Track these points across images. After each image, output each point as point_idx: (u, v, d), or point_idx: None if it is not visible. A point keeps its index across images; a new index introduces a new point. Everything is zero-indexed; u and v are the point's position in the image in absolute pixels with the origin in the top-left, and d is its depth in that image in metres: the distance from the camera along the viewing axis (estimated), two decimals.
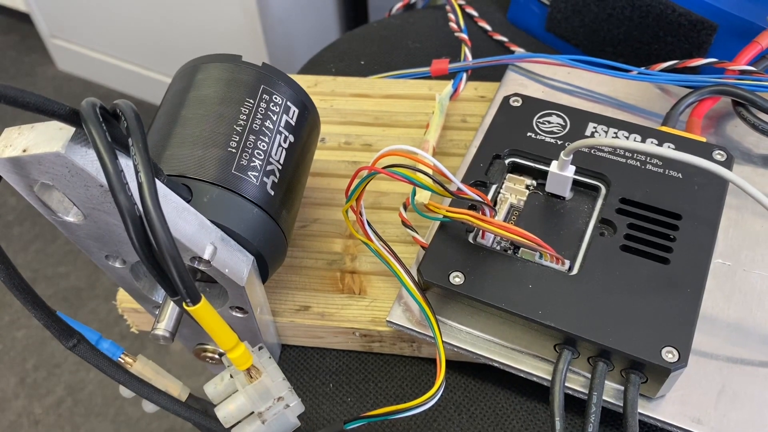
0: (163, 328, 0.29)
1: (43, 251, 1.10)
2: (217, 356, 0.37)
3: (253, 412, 0.28)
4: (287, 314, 0.36)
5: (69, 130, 0.23)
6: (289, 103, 0.33)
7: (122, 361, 0.32)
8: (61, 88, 1.31)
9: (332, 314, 0.36)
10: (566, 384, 0.31)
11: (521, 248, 0.32)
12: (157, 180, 0.23)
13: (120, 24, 1.10)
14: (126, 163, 0.22)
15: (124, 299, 0.37)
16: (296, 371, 0.37)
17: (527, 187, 0.35)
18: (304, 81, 0.47)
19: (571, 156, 0.32)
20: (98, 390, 0.96)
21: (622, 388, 0.30)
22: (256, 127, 0.31)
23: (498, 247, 0.33)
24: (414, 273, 0.33)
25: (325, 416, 0.36)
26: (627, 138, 0.35)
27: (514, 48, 0.50)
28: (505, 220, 0.34)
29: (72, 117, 0.22)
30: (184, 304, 0.23)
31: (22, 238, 1.11)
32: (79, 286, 1.06)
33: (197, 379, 0.94)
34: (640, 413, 0.30)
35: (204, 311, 0.23)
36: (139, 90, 1.22)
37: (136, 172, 0.22)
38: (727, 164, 0.34)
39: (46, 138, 0.22)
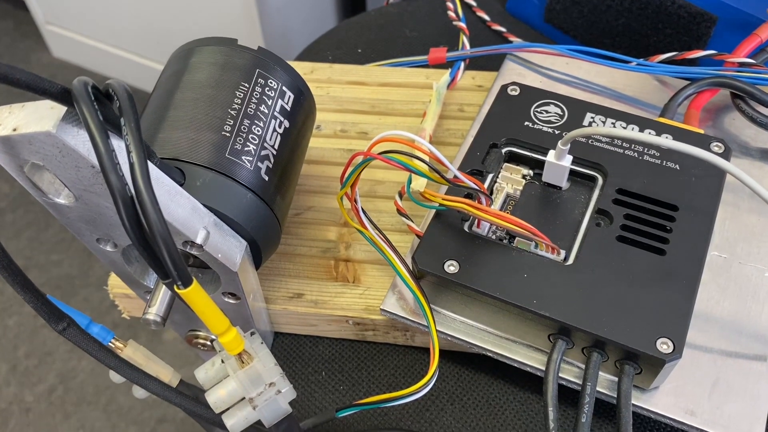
0: (155, 312, 0.28)
1: (36, 239, 1.09)
2: (209, 343, 0.36)
3: (244, 398, 0.28)
4: (280, 301, 0.36)
5: (60, 109, 0.22)
6: (284, 87, 0.33)
7: (113, 345, 0.31)
8: (56, 75, 1.29)
9: (326, 302, 0.35)
10: (560, 374, 0.31)
11: (517, 237, 0.32)
12: (149, 162, 0.22)
13: (115, 11, 1.10)
14: (118, 144, 0.22)
15: (115, 284, 0.37)
16: (289, 359, 0.37)
17: (524, 176, 0.35)
18: (301, 68, 0.46)
19: (569, 146, 0.32)
20: (90, 378, 0.95)
21: (616, 379, 0.30)
22: (250, 111, 0.31)
23: (493, 236, 0.32)
24: (408, 261, 0.33)
25: (317, 404, 0.35)
26: (625, 128, 0.35)
27: (512, 38, 0.49)
28: (501, 210, 0.34)
29: (64, 96, 0.21)
30: (175, 287, 0.22)
31: (15, 224, 1.11)
32: (71, 273, 1.05)
33: (189, 368, 0.94)
34: (633, 404, 0.30)
35: (195, 294, 0.23)
36: (134, 77, 1.21)
37: (128, 153, 0.21)
38: (725, 156, 0.34)
39: (36, 117, 0.22)
